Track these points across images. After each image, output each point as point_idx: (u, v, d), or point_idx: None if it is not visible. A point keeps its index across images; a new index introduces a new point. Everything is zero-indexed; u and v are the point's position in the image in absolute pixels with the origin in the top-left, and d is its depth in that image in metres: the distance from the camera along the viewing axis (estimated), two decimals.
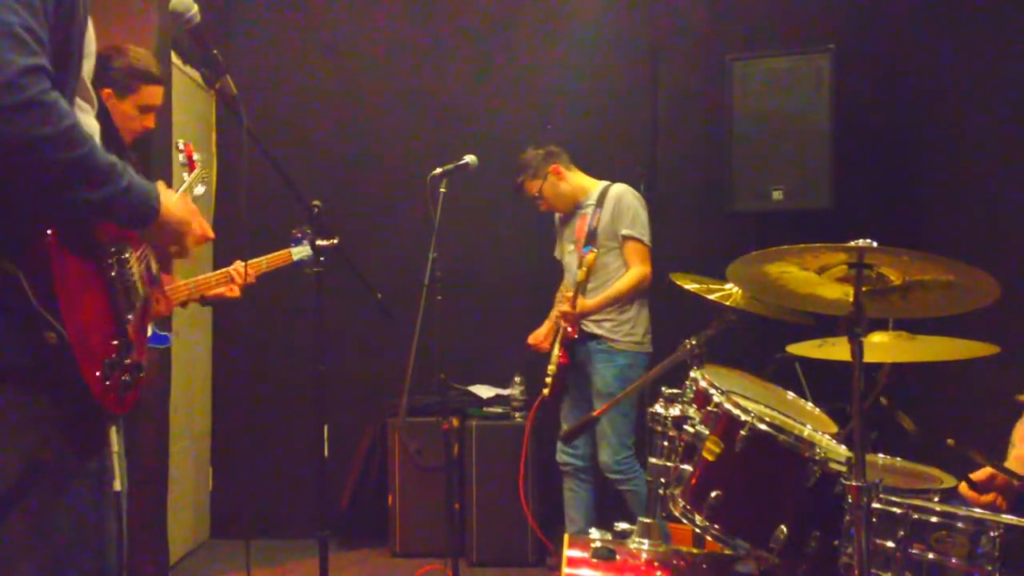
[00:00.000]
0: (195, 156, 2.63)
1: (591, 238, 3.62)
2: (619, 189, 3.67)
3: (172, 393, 3.89)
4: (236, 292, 2.81)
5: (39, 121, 1.25)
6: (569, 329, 3.59)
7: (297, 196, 2.35)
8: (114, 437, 1.52)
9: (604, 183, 3.73)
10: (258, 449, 4.52)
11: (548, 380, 3.73)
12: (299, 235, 2.96)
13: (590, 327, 3.60)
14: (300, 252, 2.97)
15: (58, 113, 1.28)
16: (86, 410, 1.40)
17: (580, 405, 3.64)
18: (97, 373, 1.39)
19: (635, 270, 3.57)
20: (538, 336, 3.83)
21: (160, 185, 1.53)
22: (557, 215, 3.88)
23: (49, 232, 1.33)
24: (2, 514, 1.32)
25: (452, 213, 3.28)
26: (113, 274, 1.48)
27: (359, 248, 4.09)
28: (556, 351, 3.68)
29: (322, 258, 2.47)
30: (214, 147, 4.61)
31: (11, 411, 1.33)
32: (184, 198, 1.62)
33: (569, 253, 3.76)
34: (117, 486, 1.51)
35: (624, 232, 3.58)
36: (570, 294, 3.54)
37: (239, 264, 2.82)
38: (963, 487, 2.22)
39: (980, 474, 2.21)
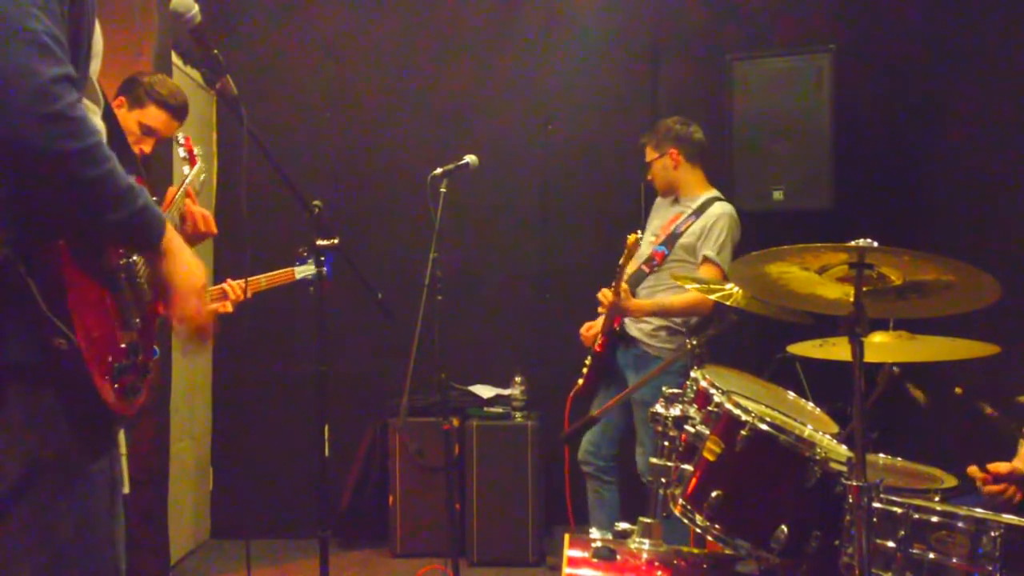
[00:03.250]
0: (195, 150, 2.63)
1: (671, 240, 3.50)
2: (721, 208, 3.51)
3: (172, 393, 3.89)
4: (229, 308, 2.81)
5: (66, 135, 1.24)
6: (599, 310, 3.47)
7: (297, 196, 2.35)
8: (122, 439, 1.52)
9: (713, 193, 3.60)
10: (258, 449, 4.52)
11: (584, 370, 3.64)
12: (305, 254, 2.98)
13: (631, 330, 3.51)
14: (304, 271, 2.99)
15: (85, 129, 1.27)
16: (95, 413, 1.40)
17: (613, 408, 3.46)
18: (106, 376, 1.40)
19: (700, 292, 3.28)
20: (590, 330, 3.65)
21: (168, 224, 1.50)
22: (655, 205, 3.76)
23: (61, 239, 1.32)
24: (4, 514, 1.32)
25: (452, 213, 3.28)
26: (122, 276, 1.48)
27: (359, 248, 4.12)
28: (597, 339, 3.58)
29: (323, 258, 2.47)
30: (214, 147, 4.60)
31: (17, 412, 1.33)
32: (188, 250, 1.55)
33: (648, 244, 3.62)
34: (125, 488, 1.51)
35: (706, 253, 3.44)
36: (623, 285, 3.38)
37: (232, 281, 2.84)
38: (973, 469, 2.20)
39: (1001, 467, 2.21)
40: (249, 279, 2.88)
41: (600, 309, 3.54)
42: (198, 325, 1.55)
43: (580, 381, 3.66)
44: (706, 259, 3.45)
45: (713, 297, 2.73)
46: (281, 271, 2.99)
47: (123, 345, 1.45)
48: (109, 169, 1.31)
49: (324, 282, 2.49)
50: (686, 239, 3.49)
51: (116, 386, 1.41)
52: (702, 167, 3.65)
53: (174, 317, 1.52)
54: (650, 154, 3.62)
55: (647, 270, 3.52)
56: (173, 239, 1.48)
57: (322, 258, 2.49)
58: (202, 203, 2.41)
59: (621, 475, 3.65)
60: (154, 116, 2.72)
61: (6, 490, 1.32)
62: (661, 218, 3.67)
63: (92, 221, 1.34)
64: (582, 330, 3.69)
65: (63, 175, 1.26)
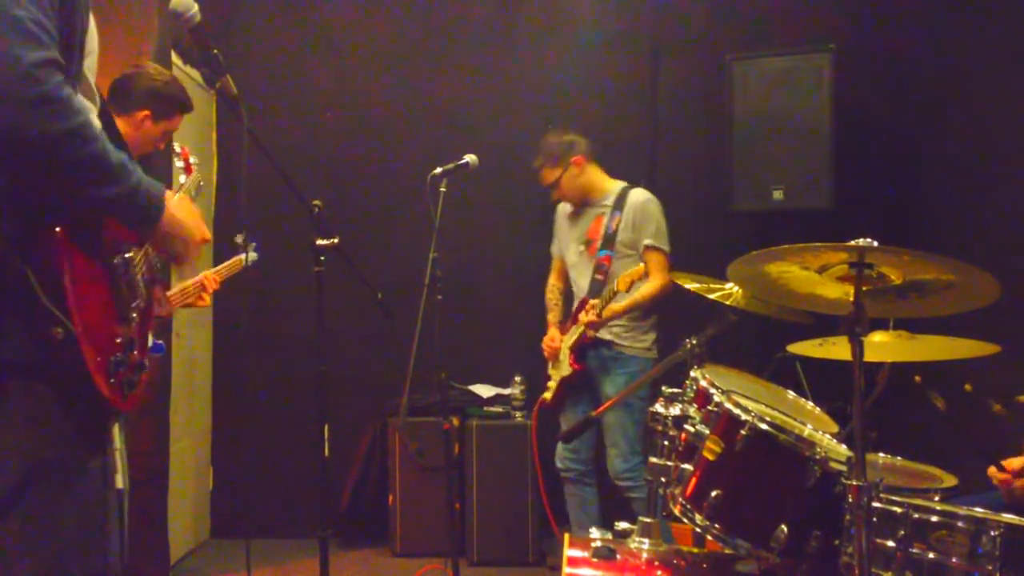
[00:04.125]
0: (191, 160, 2.66)
1: (608, 242, 3.54)
2: (641, 196, 3.58)
3: (172, 393, 3.89)
4: (207, 301, 2.90)
5: (54, 116, 1.25)
6: (589, 334, 3.51)
7: (297, 196, 2.35)
8: (116, 434, 1.53)
9: (622, 184, 3.65)
10: (258, 449, 4.52)
11: (551, 384, 3.68)
12: (241, 241, 3.05)
13: (601, 332, 3.54)
14: (249, 258, 3.13)
15: (72, 108, 1.28)
16: (91, 406, 1.41)
17: (585, 410, 3.52)
18: (103, 370, 1.40)
19: (657, 280, 3.47)
20: (554, 341, 3.71)
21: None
22: (561, 212, 3.81)
23: (58, 229, 1.33)
24: (3, 512, 1.32)
25: (452, 213, 3.28)
26: (119, 272, 1.48)
27: (359, 248, 4.10)
28: (564, 355, 3.62)
29: (323, 258, 2.47)
30: (214, 147, 4.61)
31: (14, 407, 1.34)
32: (185, 200, 1.63)
33: (578, 253, 3.67)
34: (119, 483, 1.51)
35: (648, 242, 3.50)
36: (595, 301, 3.44)
37: (208, 273, 2.90)
38: (992, 470, 2.22)
39: (1015, 462, 2.21)
40: (214, 269, 3.01)
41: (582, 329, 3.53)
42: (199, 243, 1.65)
43: (547, 395, 3.70)
44: (649, 248, 3.51)
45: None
46: (232, 260, 3.11)
47: (119, 340, 1.45)
48: (100, 148, 1.32)
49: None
50: (623, 235, 3.54)
51: (112, 380, 1.42)
52: (597, 162, 3.69)
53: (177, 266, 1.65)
54: (552, 174, 3.62)
55: (601, 278, 3.55)
56: (173, 209, 1.52)
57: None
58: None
59: (599, 478, 3.68)
60: (178, 122, 2.78)
61: (6, 489, 1.32)
62: (580, 226, 3.69)
63: (85, 199, 1.36)
64: (545, 341, 3.74)
65: (53, 156, 1.27)
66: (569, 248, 3.75)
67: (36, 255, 1.31)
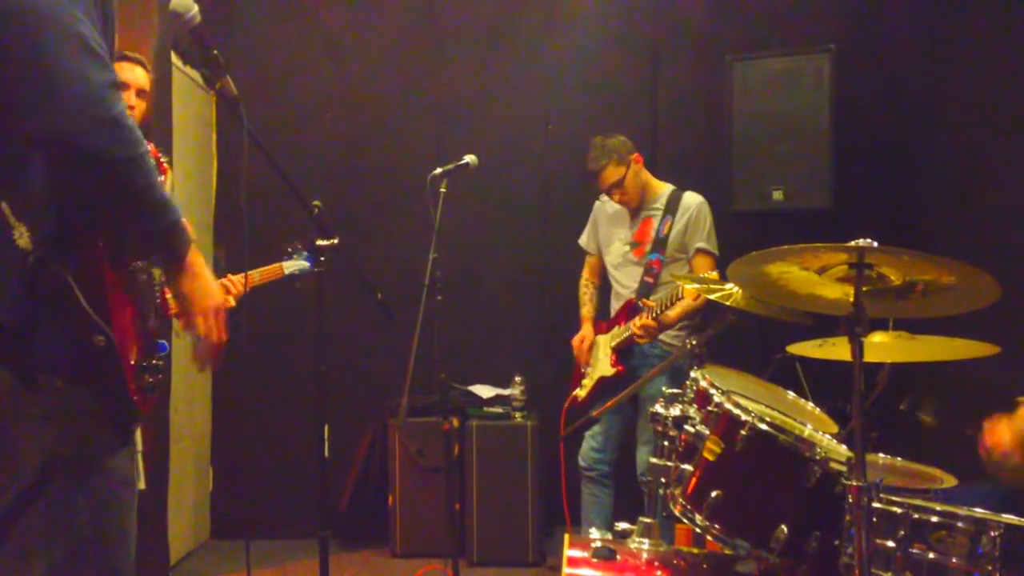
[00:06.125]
0: (163, 159, 2.65)
1: (659, 245, 3.52)
2: (696, 199, 3.55)
3: (172, 393, 3.89)
4: (231, 303, 2.84)
5: (119, 141, 1.28)
6: (641, 340, 3.44)
7: (297, 196, 2.35)
8: (138, 437, 1.56)
9: (670, 187, 3.62)
10: (258, 449, 4.52)
11: (585, 382, 3.65)
12: (291, 249, 2.99)
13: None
14: (292, 266, 3.01)
15: (136, 137, 1.32)
16: (120, 409, 1.44)
17: (621, 409, 3.49)
18: (133, 375, 1.45)
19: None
20: (584, 342, 3.69)
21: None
22: (601, 208, 3.75)
23: (101, 243, 1.37)
24: (22, 507, 1.34)
25: (452, 213, 3.27)
26: (140, 279, 1.51)
27: (359, 248, 4.12)
28: (606, 354, 3.60)
29: (323, 258, 2.47)
30: (214, 147, 4.61)
31: (42, 404, 1.36)
32: (200, 256, 1.60)
33: (623, 254, 3.63)
34: (141, 484, 1.54)
35: (699, 245, 3.49)
36: (651, 302, 3.40)
37: (232, 276, 2.87)
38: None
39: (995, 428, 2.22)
40: (247, 273, 2.92)
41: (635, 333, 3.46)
42: (213, 343, 1.62)
43: (581, 392, 3.66)
44: (700, 251, 3.50)
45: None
46: (271, 266, 3.01)
47: (142, 344, 1.49)
48: (153, 180, 1.36)
49: (308, 277, 2.49)
50: (675, 238, 3.52)
51: (138, 383, 1.46)
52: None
53: (192, 333, 1.58)
54: (616, 173, 3.53)
55: (651, 281, 3.53)
56: (196, 257, 1.52)
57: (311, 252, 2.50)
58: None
59: (617, 478, 3.65)
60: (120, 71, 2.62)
61: (25, 485, 1.34)
62: (627, 226, 3.66)
63: (131, 226, 1.40)
64: (575, 341, 3.70)
65: (113, 180, 1.31)
66: (611, 247, 3.71)
67: (77, 264, 1.34)
